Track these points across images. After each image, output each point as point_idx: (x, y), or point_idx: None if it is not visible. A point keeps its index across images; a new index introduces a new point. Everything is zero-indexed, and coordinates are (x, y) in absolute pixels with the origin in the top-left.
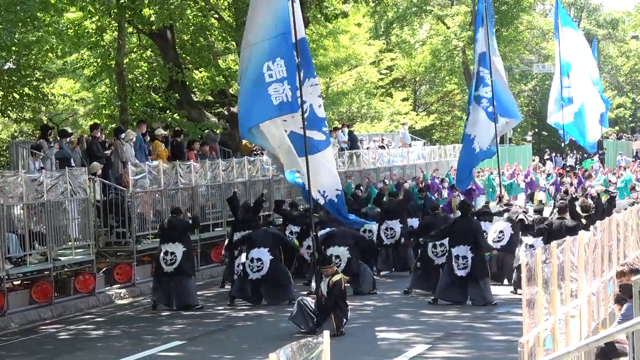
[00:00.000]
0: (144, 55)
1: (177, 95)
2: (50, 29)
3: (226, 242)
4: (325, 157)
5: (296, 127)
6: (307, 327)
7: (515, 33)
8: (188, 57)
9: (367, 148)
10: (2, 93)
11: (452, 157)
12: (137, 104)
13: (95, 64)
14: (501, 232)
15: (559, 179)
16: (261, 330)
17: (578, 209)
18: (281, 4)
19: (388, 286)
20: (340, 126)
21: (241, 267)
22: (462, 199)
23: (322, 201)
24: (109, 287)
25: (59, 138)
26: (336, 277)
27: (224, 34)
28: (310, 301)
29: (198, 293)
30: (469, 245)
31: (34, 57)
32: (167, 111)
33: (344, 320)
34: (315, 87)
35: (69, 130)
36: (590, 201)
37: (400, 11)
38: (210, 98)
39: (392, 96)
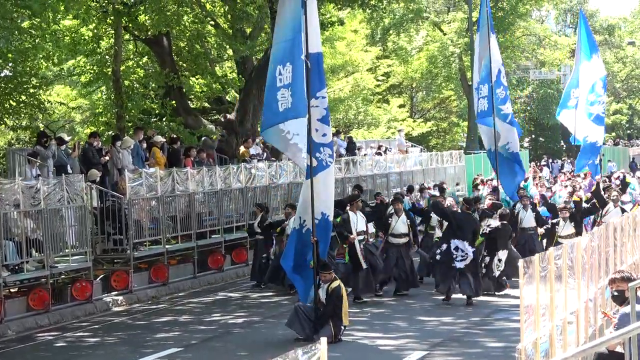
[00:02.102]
0: (141, 62)
1: (173, 102)
2: (47, 35)
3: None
4: (322, 182)
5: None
6: (303, 333)
7: (512, 39)
8: (185, 64)
9: (365, 155)
10: None
11: (448, 164)
12: (133, 111)
13: (91, 71)
14: None
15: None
16: (258, 337)
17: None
18: (296, 8)
19: (384, 292)
20: (335, 132)
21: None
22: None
23: (315, 222)
24: (106, 294)
25: (55, 145)
26: (335, 284)
27: (220, 41)
28: (308, 307)
29: (195, 300)
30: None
31: (30, 64)
32: (164, 118)
33: (342, 327)
34: (317, 109)
35: (66, 137)
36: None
37: (397, 18)
38: (206, 105)
39: (388, 103)
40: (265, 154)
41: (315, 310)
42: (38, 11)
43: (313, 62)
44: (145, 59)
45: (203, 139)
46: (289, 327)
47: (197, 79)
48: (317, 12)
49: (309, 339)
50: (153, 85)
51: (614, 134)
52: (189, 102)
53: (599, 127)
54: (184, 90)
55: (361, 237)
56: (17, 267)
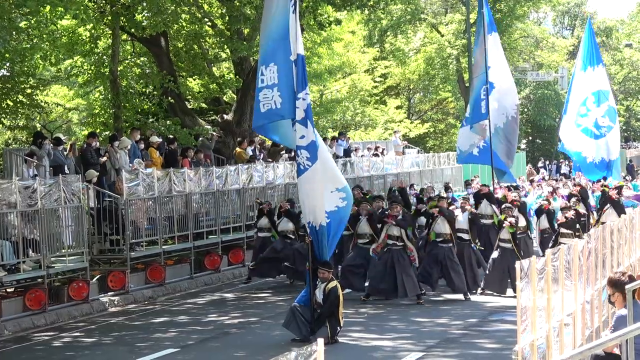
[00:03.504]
0: (138, 62)
1: (169, 103)
2: (44, 36)
3: None
4: (304, 186)
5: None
6: (300, 334)
7: (509, 41)
8: (182, 65)
9: (362, 156)
10: None
11: (446, 165)
12: (130, 112)
13: (89, 71)
14: None
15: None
16: (255, 338)
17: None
18: (283, 9)
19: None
20: (337, 135)
21: None
22: None
23: (308, 230)
24: (102, 295)
25: (52, 145)
26: (332, 284)
27: (217, 42)
28: (304, 308)
29: (191, 300)
30: None
31: (27, 64)
32: (161, 119)
33: (338, 328)
34: (297, 109)
35: (62, 137)
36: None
37: (394, 19)
38: (204, 105)
39: (386, 104)
40: (261, 155)
41: (311, 311)
42: (34, 8)
43: (298, 64)
44: (142, 59)
45: (200, 139)
46: (286, 328)
47: (194, 79)
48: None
49: (306, 340)
50: (150, 87)
51: None
52: (186, 102)
53: (589, 140)
54: (181, 91)
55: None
56: (13, 267)
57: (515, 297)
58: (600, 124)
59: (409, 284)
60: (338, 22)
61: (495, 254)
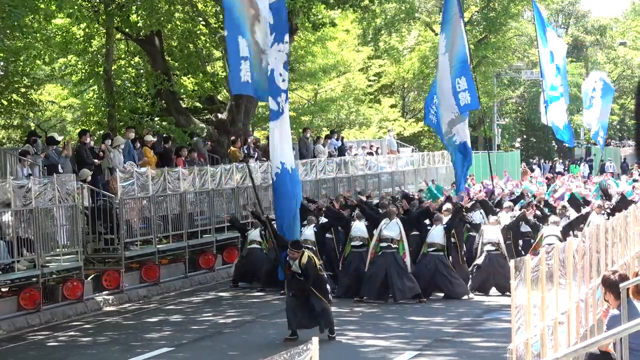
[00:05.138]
0: (132, 61)
1: (164, 103)
2: (38, 35)
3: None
4: (278, 128)
5: None
6: (309, 324)
7: (504, 40)
8: (176, 64)
9: (355, 155)
10: None
11: (440, 164)
12: (124, 111)
13: (83, 71)
14: None
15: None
16: (249, 337)
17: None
18: None
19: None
20: (330, 133)
21: None
22: None
23: (277, 171)
24: (97, 294)
25: (46, 145)
26: (305, 258)
27: (211, 40)
28: (295, 300)
29: (186, 299)
30: None
31: (22, 63)
32: (155, 118)
33: (328, 288)
34: (281, 54)
35: (57, 137)
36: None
37: (389, 18)
38: (198, 104)
39: (380, 103)
40: (256, 154)
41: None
42: (25, 20)
43: (274, 11)
44: (137, 58)
45: (195, 138)
46: (293, 329)
47: (188, 78)
48: None
49: (309, 326)
50: (145, 87)
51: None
52: (181, 101)
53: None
54: (175, 89)
55: (359, 243)
56: (8, 267)
57: (499, 295)
58: (555, 85)
59: (407, 285)
60: (333, 24)
61: (480, 260)
